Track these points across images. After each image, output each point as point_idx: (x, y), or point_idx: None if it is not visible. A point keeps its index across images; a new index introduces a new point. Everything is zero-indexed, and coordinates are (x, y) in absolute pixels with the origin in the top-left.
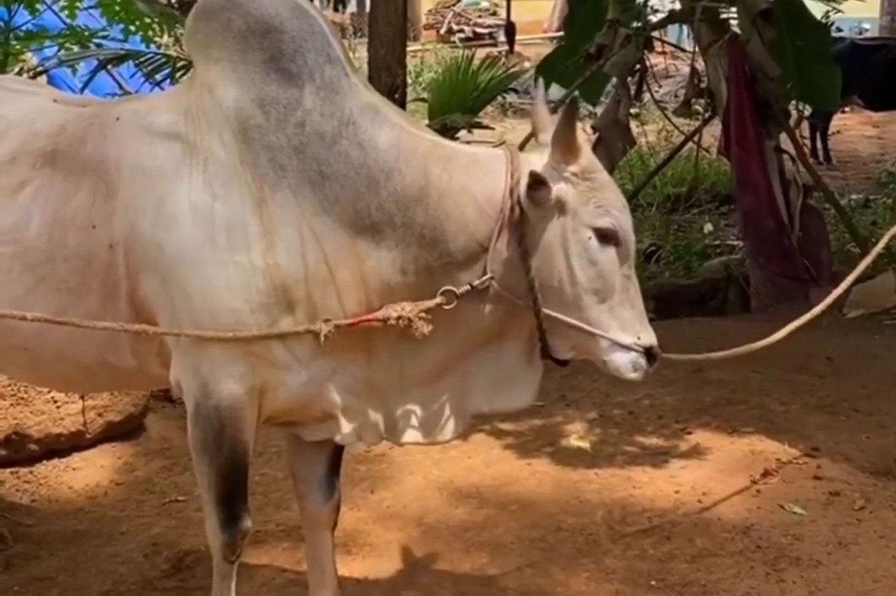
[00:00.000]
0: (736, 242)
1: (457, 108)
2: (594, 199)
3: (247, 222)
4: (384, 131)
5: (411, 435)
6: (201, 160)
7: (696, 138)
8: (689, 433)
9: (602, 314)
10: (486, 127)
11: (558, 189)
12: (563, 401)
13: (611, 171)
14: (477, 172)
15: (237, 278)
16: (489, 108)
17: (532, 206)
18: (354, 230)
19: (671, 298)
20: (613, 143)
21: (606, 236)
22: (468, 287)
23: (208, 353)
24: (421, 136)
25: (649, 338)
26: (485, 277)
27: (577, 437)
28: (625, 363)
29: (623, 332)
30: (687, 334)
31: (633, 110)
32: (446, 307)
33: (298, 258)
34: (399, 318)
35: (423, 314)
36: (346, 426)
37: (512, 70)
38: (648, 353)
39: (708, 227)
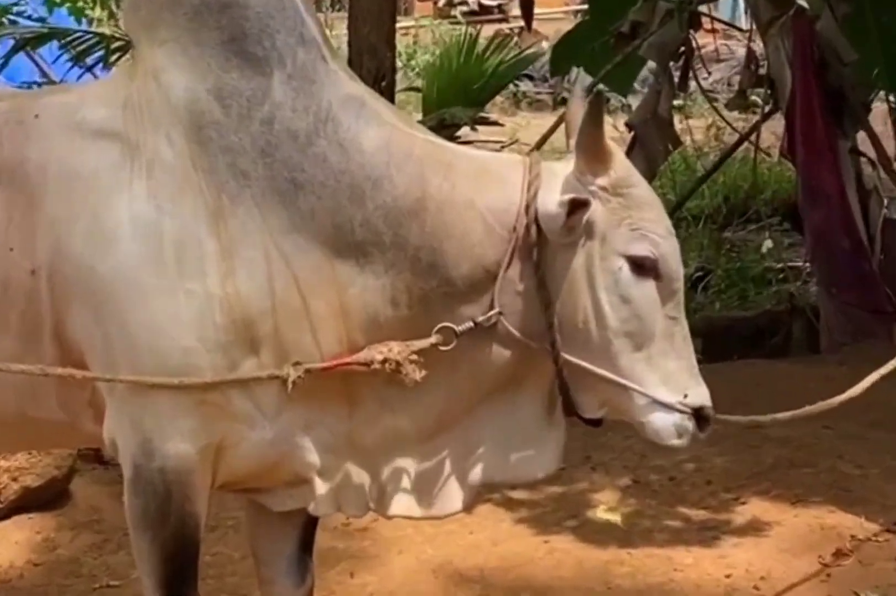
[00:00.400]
0: (802, 266)
1: (458, 100)
2: (628, 219)
3: (201, 241)
4: (371, 129)
5: (403, 505)
6: (144, 164)
7: (753, 137)
8: (744, 503)
9: (637, 364)
10: (494, 123)
11: (593, 208)
12: (589, 463)
13: (650, 179)
14: (486, 183)
15: (189, 310)
16: (498, 99)
17: (558, 230)
18: (334, 251)
19: (722, 334)
20: (652, 144)
21: (643, 267)
22: (470, 324)
23: (152, 403)
24: (416, 136)
25: (699, 396)
26: (491, 313)
27: (605, 508)
28: (666, 426)
29: (665, 387)
30: (741, 380)
31: (676, 103)
32: (443, 348)
33: (264, 285)
34: (385, 361)
35: (414, 357)
36: (323, 493)
37: (527, 52)
38: (698, 414)
39: (767, 247)
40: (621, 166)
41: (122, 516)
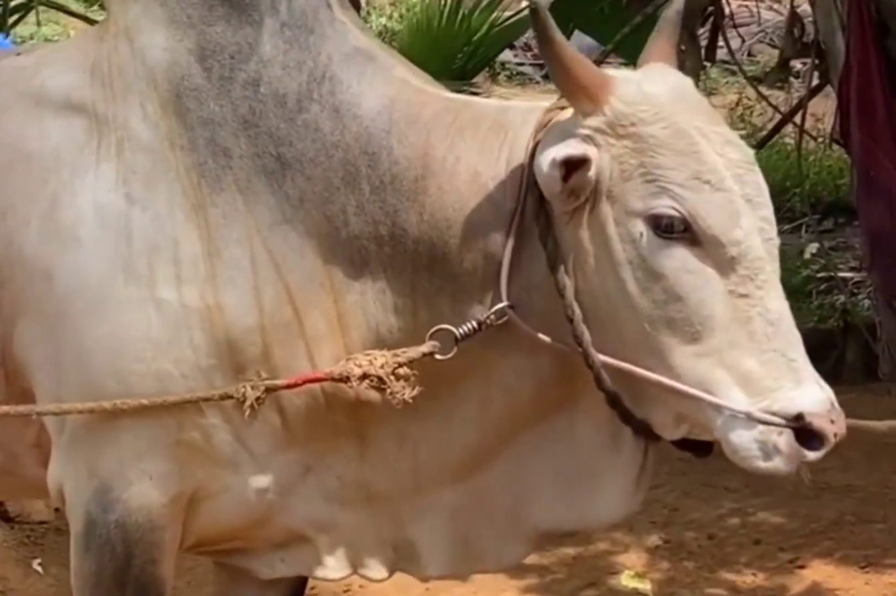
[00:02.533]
0: (855, 275)
1: (439, 72)
2: (641, 168)
3: (177, 239)
4: (375, 89)
5: (443, 563)
6: (114, 143)
7: (797, 118)
8: (802, 567)
9: (694, 361)
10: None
11: (597, 164)
12: None
13: None
14: (494, 144)
15: (162, 326)
16: None
17: (558, 195)
18: (327, 249)
19: None
20: None
21: (670, 229)
22: (473, 324)
23: (112, 440)
24: (429, 92)
25: (795, 400)
26: (496, 307)
27: (631, 574)
28: (743, 444)
29: (741, 390)
30: None
31: (701, 75)
32: (441, 358)
33: (250, 296)
34: (365, 377)
35: (403, 370)
36: (331, 555)
37: (521, 15)
38: (799, 426)
39: (811, 252)
40: (623, 96)
41: (34, 588)
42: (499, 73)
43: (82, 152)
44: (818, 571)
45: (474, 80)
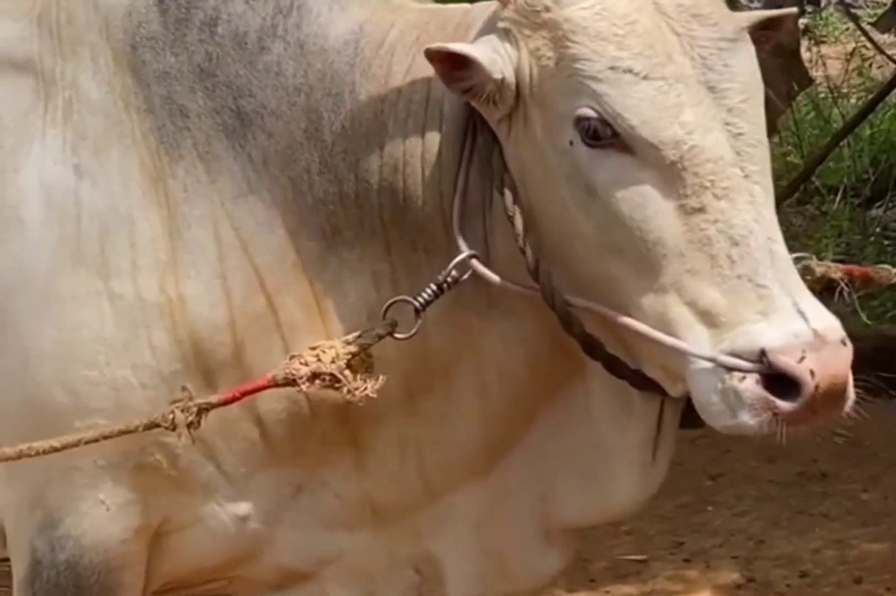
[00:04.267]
0: None
1: None
2: (561, 61)
3: (133, 220)
4: (346, 15)
5: (473, 579)
6: (60, 104)
7: None
8: None
9: (649, 297)
10: None
11: (489, 58)
12: (681, 551)
13: (770, 133)
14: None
15: (117, 325)
16: None
17: (490, 109)
18: (295, 220)
19: (871, 358)
20: (770, 84)
21: (594, 134)
22: (431, 289)
23: (61, 466)
24: (405, 8)
25: (756, 335)
26: (455, 260)
27: None
28: (705, 395)
29: (706, 328)
30: None
31: (802, 21)
32: (401, 337)
33: (217, 285)
34: (315, 376)
35: (360, 359)
36: (342, 590)
37: None
38: (771, 371)
39: None
40: None
41: None
42: None
43: (27, 118)
44: None
45: None
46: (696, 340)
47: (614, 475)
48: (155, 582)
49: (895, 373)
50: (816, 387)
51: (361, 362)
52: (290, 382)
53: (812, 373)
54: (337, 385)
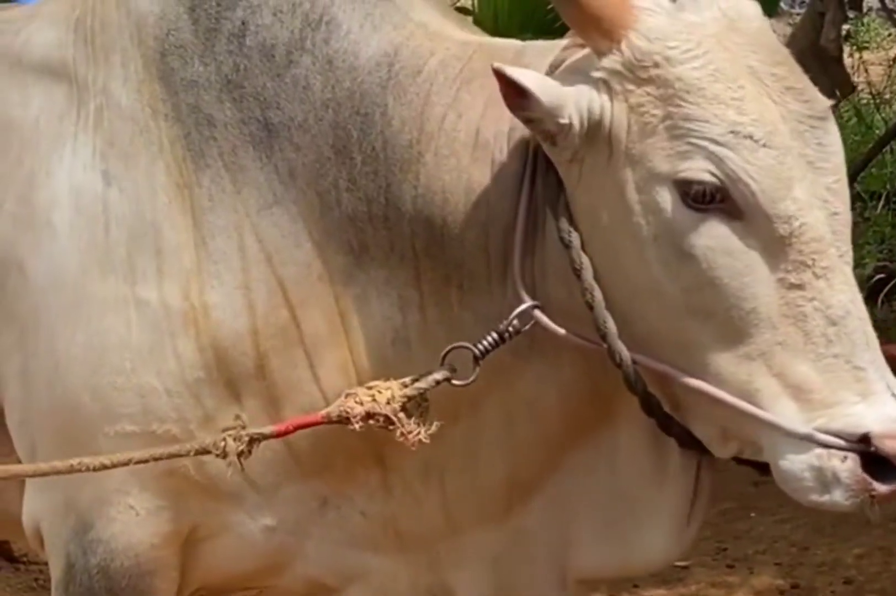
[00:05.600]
0: None
1: (525, 26)
2: (668, 120)
3: (159, 227)
4: (380, 35)
5: None
6: (92, 111)
7: None
8: None
9: (732, 365)
10: None
11: (579, 107)
12: (724, 558)
13: None
14: (500, 102)
15: (143, 331)
16: None
17: (550, 148)
18: (322, 233)
19: None
20: None
21: (702, 199)
22: (493, 338)
23: (92, 451)
24: (444, 37)
25: (860, 417)
26: (518, 309)
27: None
28: (794, 470)
29: (793, 403)
30: None
31: (844, 27)
32: (459, 384)
33: (239, 295)
34: (369, 416)
35: (415, 403)
36: None
37: None
38: (867, 451)
39: None
40: (646, 30)
41: None
42: None
43: (62, 123)
44: None
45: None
46: (783, 413)
47: (643, 532)
48: (188, 587)
49: None
50: None
51: (416, 406)
52: (344, 419)
53: None
54: (391, 427)
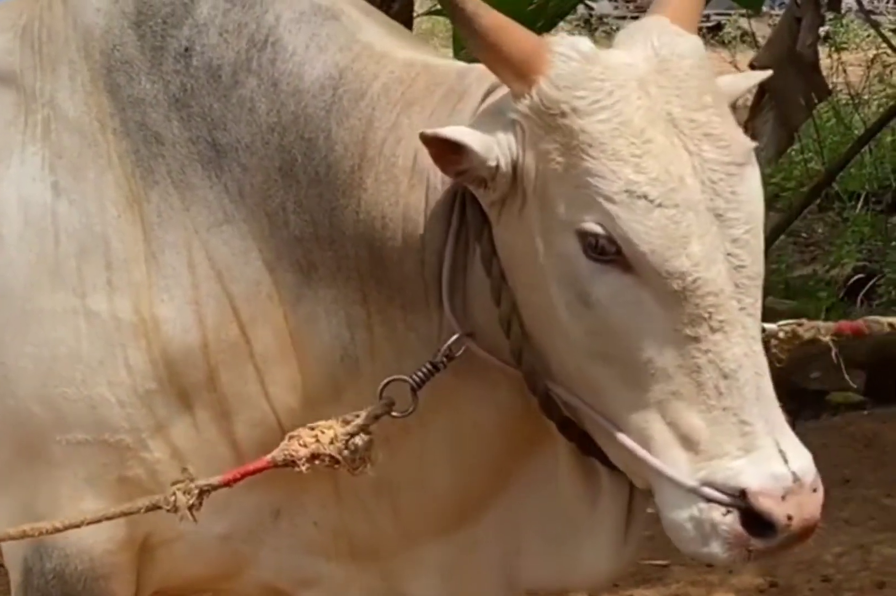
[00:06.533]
0: None
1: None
2: (573, 169)
3: (108, 239)
4: (325, 57)
5: None
6: (40, 121)
7: None
8: None
9: (630, 408)
10: None
11: (486, 145)
12: None
13: (787, 142)
14: (441, 120)
15: (94, 343)
16: (562, 26)
17: (478, 191)
18: (272, 253)
19: (894, 365)
20: (789, 95)
21: (601, 250)
22: (426, 368)
23: (48, 478)
24: (390, 59)
25: (738, 472)
26: (451, 340)
27: None
28: (677, 520)
29: (683, 452)
30: None
31: (823, 29)
32: (399, 415)
33: (189, 310)
34: (315, 457)
35: (359, 440)
36: None
37: None
38: (747, 507)
39: None
40: (556, 76)
41: None
42: (596, 28)
43: (8, 131)
44: None
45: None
46: (674, 462)
47: (582, 550)
48: (144, 590)
49: None
50: (790, 529)
51: (360, 442)
52: (290, 463)
53: (789, 517)
54: (336, 466)
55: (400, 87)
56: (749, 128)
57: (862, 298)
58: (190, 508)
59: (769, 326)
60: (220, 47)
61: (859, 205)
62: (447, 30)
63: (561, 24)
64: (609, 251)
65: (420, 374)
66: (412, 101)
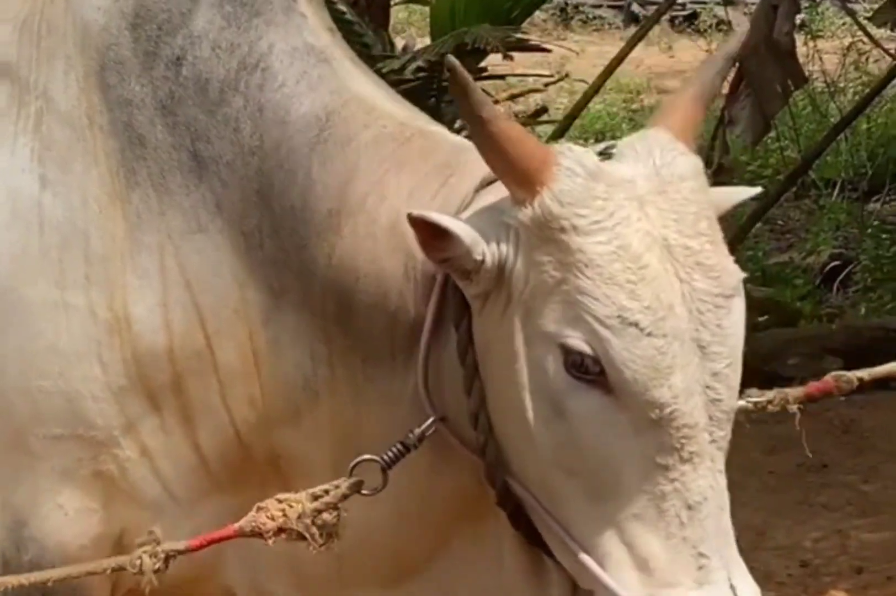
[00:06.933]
0: None
1: (482, 16)
2: (564, 285)
3: (88, 235)
4: (314, 96)
5: None
6: (32, 113)
7: None
8: None
9: (589, 523)
10: (537, 48)
11: (473, 238)
12: None
13: (763, 130)
14: (429, 190)
15: (71, 337)
16: (539, 15)
17: (462, 282)
18: (244, 270)
19: (871, 350)
20: (766, 82)
21: (583, 368)
22: (397, 448)
23: (28, 468)
24: (382, 114)
25: None
26: (424, 425)
27: None
28: None
29: (637, 575)
30: None
31: (799, 17)
32: (369, 493)
33: (159, 313)
34: (281, 530)
35: (327, 516)
36: None
37: None
38: None
39: None
40: (559, 191)
41: None
42: (572, 18)
43: (2, 122)
44: None
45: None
46: (626, 584)
47: None
48: (120, 589)
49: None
50: None
51: (328, 519)
52: (257, 534)
53: None
54: (303, 540)
55: (392, 143)
56: (725, 115)
57: (838, 285)
58: (156, 571)
59: (739, 402)
60: (211, 62)
61: (835, 192)
62: (423, 19)
63: (537, 12)
64: (592, 371)
65: (391, 454)
66: (403, 162)
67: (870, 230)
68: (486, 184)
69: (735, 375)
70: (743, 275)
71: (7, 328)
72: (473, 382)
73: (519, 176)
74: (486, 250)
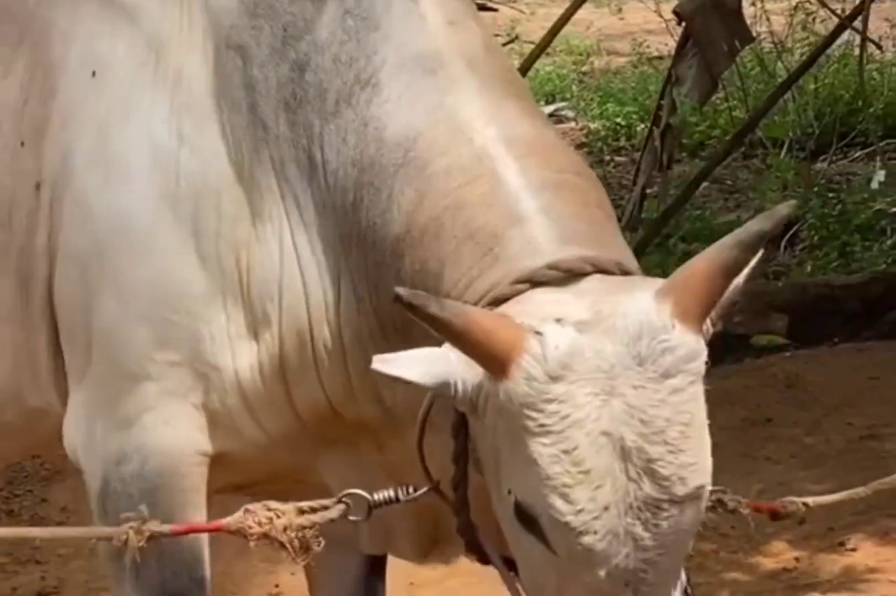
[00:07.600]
0: None
1: None
2: (522, 447)
3: (220, 195)
4: (409, 114)
5: None
6: (171, 70)
7: (858, 24)
8: (853, 550)
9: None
10: (485, 7)
11: (464, 388)
12: None
13: (710, 90)
14: (465, 264)
15: (201, 281)
16: None
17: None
18: (335, 269)
19: (816, 307)
20: (712, 41)
21: (528, 521)
22: (388, 495)
23: (138, 389)
24: (466, 137)
25: None
26: (421, 491)
27: None
28: None
29: None
30: (845, 371)
31: None
32: (354, 519)
33: (274, 286)
34: (264, 536)
35: (309, 533)
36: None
37: None
38: None
39: (879, 180)
40: (516, 395)
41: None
42: None
43: (142, 71)
44: (869, 554)
45: None
46: None
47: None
48: (212, 487)
49: (836, 319)
50: None
51: (310, 534)
52: (242, 535)
53: None
54: (283, 550)
55: (461, 177)
56: (672, 74)
57: (785, 244)
58: (140, 549)
59: None
60: (331, 74)
61: (783, 152)
62: None
63: None
64: (537, 531)
65: (381, 498)
66: (462, 205)
67: (816, 189)
68: (498, 303)
69: (671, 562)
70: (704, 482)
71: (140, 260)
72: (458, 478)
73: (485, 365)
74: (459, 386)
